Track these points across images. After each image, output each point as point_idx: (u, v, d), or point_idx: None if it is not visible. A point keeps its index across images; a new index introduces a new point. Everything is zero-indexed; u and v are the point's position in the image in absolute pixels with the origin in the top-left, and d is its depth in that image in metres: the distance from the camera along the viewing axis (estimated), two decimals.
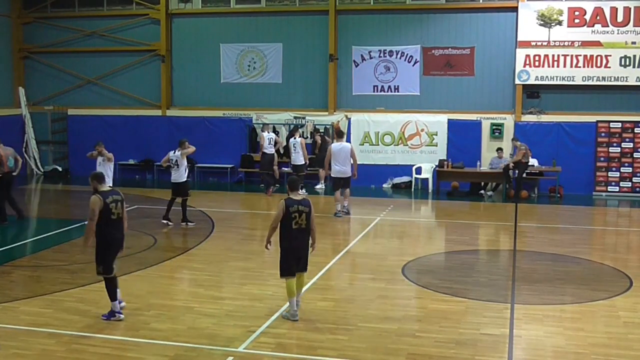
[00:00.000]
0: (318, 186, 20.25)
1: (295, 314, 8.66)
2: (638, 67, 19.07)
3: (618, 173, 19.48)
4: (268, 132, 19.89)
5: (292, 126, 21.28)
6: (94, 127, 22.69)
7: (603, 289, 10.27)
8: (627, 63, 19.12)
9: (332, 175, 16.58)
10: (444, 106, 20.60)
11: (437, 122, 20.48)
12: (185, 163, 15.04)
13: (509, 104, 20.22)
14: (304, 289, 9.25)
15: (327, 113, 21.24)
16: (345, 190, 16.22)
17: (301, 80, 21.66)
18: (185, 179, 14.98)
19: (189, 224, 14.85)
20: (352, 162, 16.10)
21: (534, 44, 19.56)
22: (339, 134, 16.82)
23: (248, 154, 21.52)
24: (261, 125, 21.37)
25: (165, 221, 14.85)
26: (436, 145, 20.54)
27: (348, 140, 19.64)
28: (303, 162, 19.36)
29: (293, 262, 8.70)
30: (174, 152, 14.94)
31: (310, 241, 8.90)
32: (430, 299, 9.74)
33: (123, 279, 10.61)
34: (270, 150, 19.62)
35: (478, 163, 19.79)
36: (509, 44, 19.96)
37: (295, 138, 19.57)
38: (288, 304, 8.80)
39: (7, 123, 22.62)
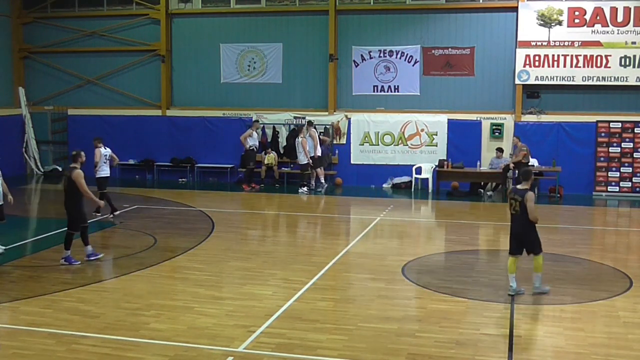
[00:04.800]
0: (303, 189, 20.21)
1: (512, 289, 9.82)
2: (638, 67, 19.08)
3: (618, 173, 19.48)
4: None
5: (291, 126, 21.30)
6: (94, 127, 22.65)
7: (603, 289, 10.27)
8: (627, 63, 19.12)
9: (319, 155, 19.92)
10: (444, 106, 20.61)
11: (437, 122, 20.48)
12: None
13: (509, 104, 20.22)
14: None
15: (327, 113, 21.24)
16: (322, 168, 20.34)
17: (301, 80, 21.66)
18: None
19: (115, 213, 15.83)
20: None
21: (534, 44, 19.56)
22: (310, 123, 20.31)
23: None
24: (261, 125, 21.40)
25: (117, 212, 15.72)
26: (436, 145, 20.55)
27: (348, 140, 21.22)
28: (306, 162, 19.67)
29: (513, 242, 9.98)
30: (105, 149, 16.00)
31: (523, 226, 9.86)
32: (430, 299, 9.74)
33: (123, 279, 10.65)
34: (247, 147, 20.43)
35: (478, 163, 19.79)
36: (509, 44, 19.96)
37: (297, 138, 19.80)
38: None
39: (7, 123, 22.64)
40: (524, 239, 9.87)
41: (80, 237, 11.69)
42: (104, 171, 15.89)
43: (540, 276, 9.98)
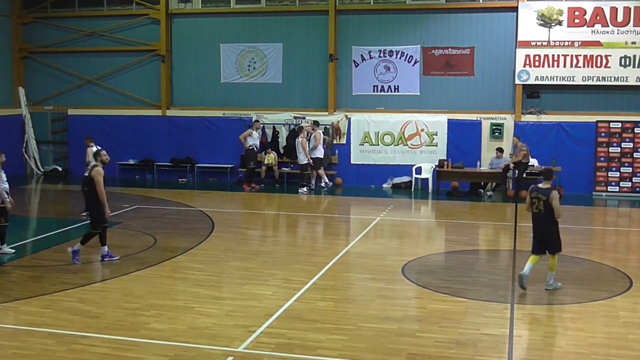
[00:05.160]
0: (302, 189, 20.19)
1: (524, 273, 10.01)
2: (638, 67, 19.08)
3: (618, 173, 19.48)
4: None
5: (291, 126, 21.30)
6: (94, 127, 22.64)
7: (603, 289, 10.28)
8: (627, 63, 19.12)
9: (319, 156, 19.91)
10: (444, 106, 20.61)
11: (437, 122, 20.48)
12: None
13: (509, 104, 20.22)
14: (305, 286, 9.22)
15: (327, 113, 21.24)
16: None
17: (301, 80, 21.65)
18: None
19: None
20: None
21: (534, 44, 19.56)
22: (316, 123, 20.25)
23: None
24: (261, 125, 21.40)
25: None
26: (436, 145, 20.54)
27: (348, 140, 21.20)
28: (306, 162, 19.70)
29: (535, 242, 10.20)
30: (96, 148, 15.93)
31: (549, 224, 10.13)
32: (430, 299, 9.74)
33: (123, 279, 10.65)
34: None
35: (478, 163, 19.79)
36: (509, 44, 19.96)
37: (297, 138, 19.83)
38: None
39: (7, 123, 22.64)
40: (547, 237, 10.10)
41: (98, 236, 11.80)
42: None
43: (554, 275, 10.15)
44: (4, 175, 12.15)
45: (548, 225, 10.06)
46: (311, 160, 19.86)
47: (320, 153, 20.00)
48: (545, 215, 10.02)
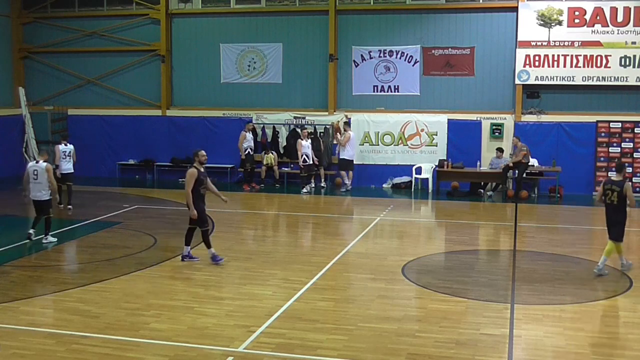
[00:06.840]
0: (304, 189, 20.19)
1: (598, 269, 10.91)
2: (638, 67, 19.07)
3: None
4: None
5: (291, 126, 21.30)
6: (94, 127, 22.73)
7: (603, 289, 10.29)
8: (627, 63, 19.12)
9: (345, 157, 19.98)
10: (444, 106, 20.61)
11: (437, 122, 20.48)
12: None
13: (509, 104, 20.22)
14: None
15: (327, 113, 21.25)
16: (350, 172, 20.04)
17: (301, 80, 21.66)
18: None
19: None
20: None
21: (534, 44, 19.56)
22: (347, 124, 20.42)
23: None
24: (260, 125, 21.42)
25: (70, 207, 16.41)
26: (436, 145, 20.55)
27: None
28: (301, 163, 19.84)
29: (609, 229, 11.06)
30: (66, 145, 16.67)
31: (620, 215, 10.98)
32: (430, 299, 9.74)
33: (123, 279, 10.65)
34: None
35: (478, 163, 19.78)
36: (509, 44, 19.97)
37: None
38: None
39: (7, 123, 22.63)
40: (615, 226, 10.91)
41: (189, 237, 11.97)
42: (63, 167, 16.49)
43: (623, 256, 11.18)
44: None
45: (619, 215, 10.86)
46: (302, 164, 19.84)
47: (347, 154, 19.94)
48: (618, 205, 10.81)
